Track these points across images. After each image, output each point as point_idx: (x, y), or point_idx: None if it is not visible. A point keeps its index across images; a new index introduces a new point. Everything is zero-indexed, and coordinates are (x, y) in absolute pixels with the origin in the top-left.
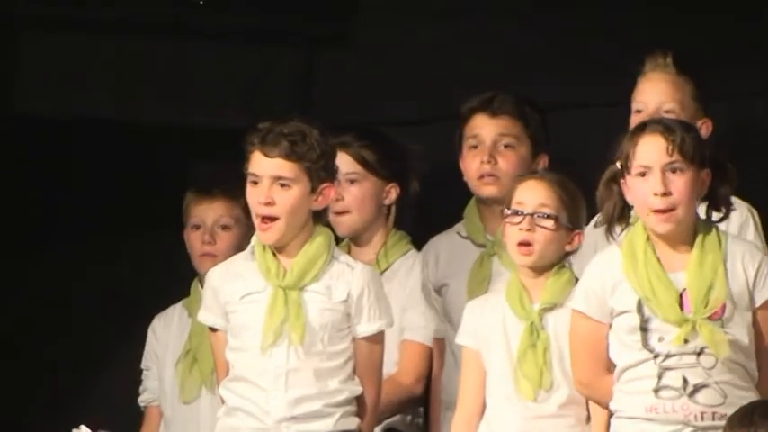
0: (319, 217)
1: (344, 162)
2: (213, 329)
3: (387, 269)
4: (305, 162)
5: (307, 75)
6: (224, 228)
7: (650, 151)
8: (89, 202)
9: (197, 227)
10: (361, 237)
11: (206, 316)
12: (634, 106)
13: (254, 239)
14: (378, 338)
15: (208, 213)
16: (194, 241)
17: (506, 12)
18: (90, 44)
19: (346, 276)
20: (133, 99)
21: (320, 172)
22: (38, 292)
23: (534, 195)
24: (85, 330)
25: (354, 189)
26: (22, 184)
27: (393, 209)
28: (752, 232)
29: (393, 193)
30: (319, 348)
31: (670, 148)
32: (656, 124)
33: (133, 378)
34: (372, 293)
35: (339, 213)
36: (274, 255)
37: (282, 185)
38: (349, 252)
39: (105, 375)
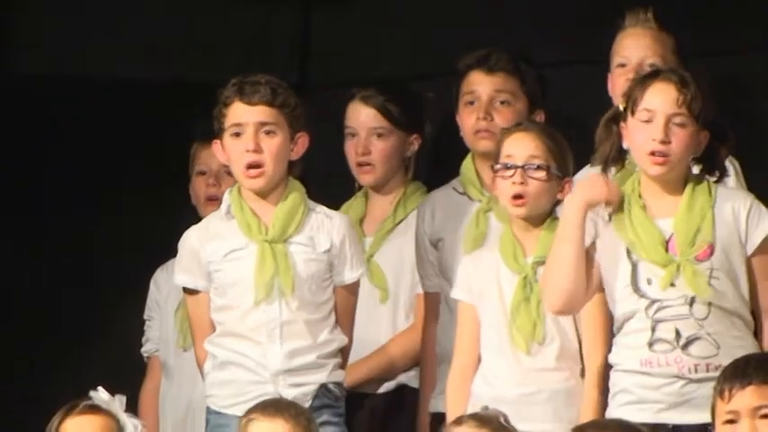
0: (292, 168)
1: (371, 116)
2: (192, 291)
3: (402, 221)
4: (285, 108)
5: (305, 33)
6: (228, 173)
7: (660, 98)
8: (93, 161)
9: (202, 173)
10: (382, 187)
11: (184, 278)
12: (616, 60)
13: (227, 198)
14: (356, 287)
15: (213, 158)
16: (200, 186)
17: None
18: (91, 4)
19: (326, 226)
20: (134, 58)
21: (297, 120)
22: (50, 250)
23: (523, 147)
24: (90, 286)
25: (381, 143)
26: (30, 142)
27: (412, 159)
28: (732, 180)
29: (415, 144)
30: (308, 299)
31: (680, 99)
32: (671, 73)
33: (136, 332)
34: (353, 242)
35: (363, 165)
36: (252, 212)
37: (267, 132)
38: (366, 199)
39: (111, 329)
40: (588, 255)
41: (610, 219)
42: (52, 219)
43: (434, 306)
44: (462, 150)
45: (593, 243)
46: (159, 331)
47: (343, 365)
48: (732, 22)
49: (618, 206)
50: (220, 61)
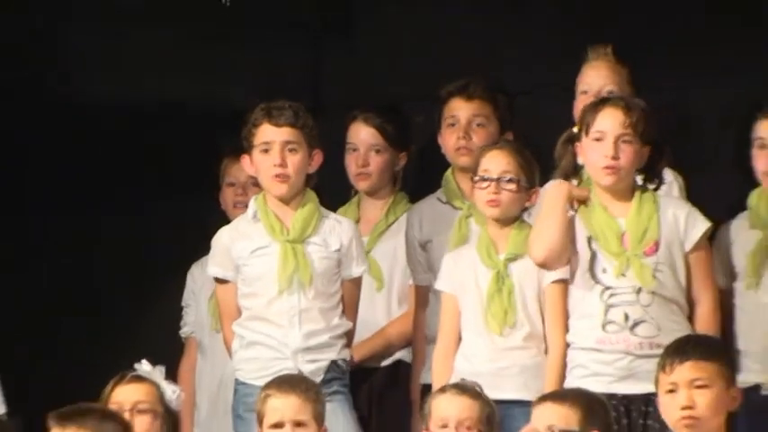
0: (308, 180)
1: (370, 134)
2: (223, 281)
3: (393, 223)
4: (304, 129)
5: (316, 60)
6: (254, 184)
7: (609, 121)
8: (141, 173)
9: (231, 183)
10: (375, 194)
11: (216, 270)
12: (580, 87)
13: (252, 205)
14: (360, 280)
15: (240, 171)
16: (229, 194)
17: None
18: (125, 33)
19: (337, 230)
20: (170, 84)
21: (314, 139)
22: (105, 248)
23: (498, 163)
24: (138, 278)
25: (378, 157)
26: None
27: (400, 173)
28: (676, 191)
29: (403, 160)
30: (322, 290)
31: (627, 121)
32: (619, 100)
33: (176, 316)
34: (358, 243)
35: (362, 174)
36: (275, 216)
37: (291, 150)
38: (358, 205)
39: (155, 314)
40: (569, 224)
41: (576, 212)
42: (107, 222)
43: (424, 296)
44: (438, 165)
45: (573, 217)
46: (195, 316)
47: (348, 345)
48: (675, 58)
49: (583, 202)
50: (245, 88)
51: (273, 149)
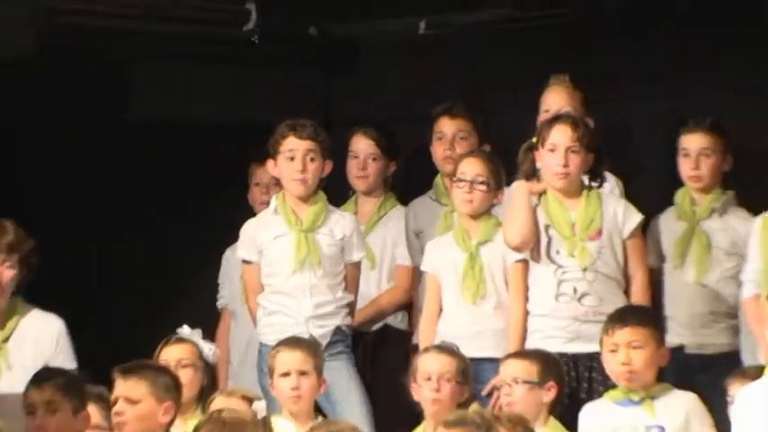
0: (319, 183)
1: (369, 145)
2: (249, 262)
3: (384, 215)
4: (321, 142)
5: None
6: (276, 185)
7: (560, 135)
8: (185, 178)
9: (257, 184)
10: (370, 193)
11: (244, 253)
12: (543, 107)
13: (274, 201)
14: (359, 264)
15: (265, 174)
16: (255, 193)
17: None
18: (175, 67)
19: (341, 223)
20: (201, 103)
21: (326, 150)
22: (158, 236)
23: (472, 168)
24: (182, 259)
25: (374, 164)
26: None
27: (390, 177)
28: (616, 191)
29: (393, 167)
30: (328, 270)
31: (574, 136)
32: (568, 117)
33: (212, 292)
34: (358, 234)
35: (361, 177)
36: (292, 210)
37: (311, 159)
38: (356, 203)
39: (197, 290)
40: (534, 214)
41: (539, 202)
42: (162, 219)
43: (418, 273)
44: (422, 172)
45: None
46: (228, 291)
47: (350, 314)
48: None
49: (542, 194)
50: (267, 107)
51: (297, 157)
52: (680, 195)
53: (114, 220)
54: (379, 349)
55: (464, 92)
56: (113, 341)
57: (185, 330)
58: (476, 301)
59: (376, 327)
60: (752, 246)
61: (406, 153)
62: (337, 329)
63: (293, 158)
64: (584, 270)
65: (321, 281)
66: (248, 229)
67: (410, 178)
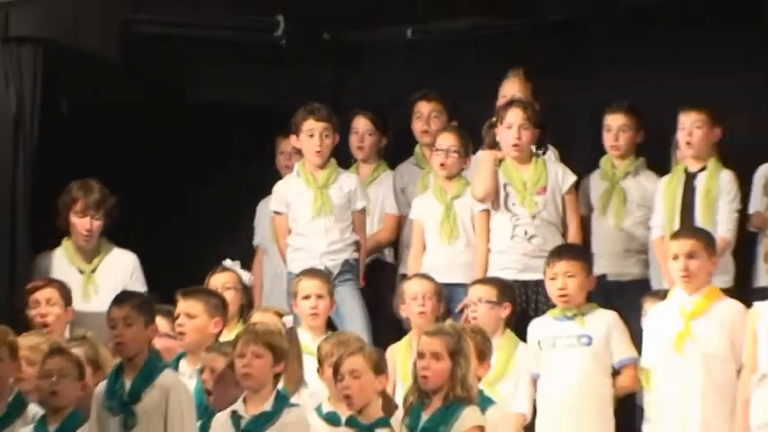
0: (330, 152)
1: (366, 123)
2: (279, 213)
3: (377, 177)
4: (332, 123)
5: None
6: (297, 154)
7: (515, 115)
8: (229, 151)
9: (281, 153)
10: (367, 161)
11: (275, 206)
12: (501, 93)
13: (296, 167)
14: (364, 210)
15: (288, 146)
16: (281, 161)
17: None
18: (228, 66)
19: (347, 181)
20: (246, 93)
21: (336, 129)
22: (213, 193)
23: (447, 140)
24: (227, 208)
25: (370, 138)
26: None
27: (382, 147)
28: (554, 157)
29: (384, 141)
30: (338, 217)
31: (525, 116)
32: (520, 102)
33: (249, 234)
34: (360, 188)
35: (360, 148)
36: (311, 173)
37: (326, 136)
38: (357, 167)
39: (239, 231)
40: (496, 175)
41: (498, 166)
42: (214, 179)
43: (402, 219)
44: (407, 142)
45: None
46: (261, 233)
47: (357, 250)
48: (558, 73)
49: (501, 160)
50: (291, 94)
51: (315, 135)
52: (604, 161)
53: (179, 179)
54: (372, 277)
55: (439, 83)
56: (175, 271)
57: (228, 262)
58: (450, 241)
59: (369, 260)
60: (657, 200)
61: (394, 130)
62: (345, 262)
63: (312, 136)
64: (533, 217)
65: (333, 225)
66: (278, 187)
67: (398, 148)
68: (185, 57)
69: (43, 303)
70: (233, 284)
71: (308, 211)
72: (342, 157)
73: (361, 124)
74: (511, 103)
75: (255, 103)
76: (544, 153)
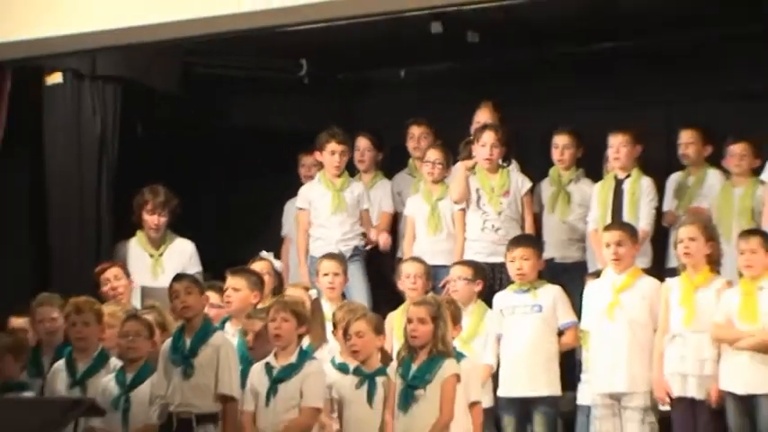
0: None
1: (367, 143)
2: (302, 209)
3: (374, 184)
4: (348, 145)
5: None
6: (319, 167)
7: (488, 136)
8: (263, 165)
9: (303, 165)
10: (367, 171)
11: (300, 203)
12: (475, 119)
13: (318, 175)
14: (368, 211)
15: (311, 160)
16: (303, 172)
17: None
18: (264, 99)
19: (356, 187)
20: (277, 120)
21: (350, 149)
22: (250, 194)
23: (433, 154)
24: (263, 207)
25: (370, 153)
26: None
27: (379, 161)
28: (517, 169)
29: (380, 156)
30: (350, 213)
31: (495, 137)
32: (492, 126)
33: (278, 226)
34: (366, 193)
35: (362, 161)
36: (330, 180)
37: (343, 155)
38: (359, 176)
39: (271, 223)
40: (467, 182)
41: (472, 173)
42: (254, 185)
43: (397, 217)
44: (402, 157)
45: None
46: (288, 226)
47: (363, 238)
48: (518, 104)
49: (472, 168)
50: (310, 121)
51: (336, 155)
52: (552, 171)
53: (225, 186)
54: (374, 260)
55: (426, 111)
56: (222, 256)
57: (264, 253)
58: (435, 232)
59: (372, 246)
60: (593, 201)
61: (392, 147)
62: (355, 248)
63: (333, 154)
64: (499, 214)
65: (346, 219)
66: (303, 190)
67: (394, 161)
68: (229, 91)
69: (112, 279)
70: (267, 270)
71: (328, 209)
72: (349, 167)
73: (362, 143)
74: (485, 126)
75: (283, 127)
76: (508, 165)
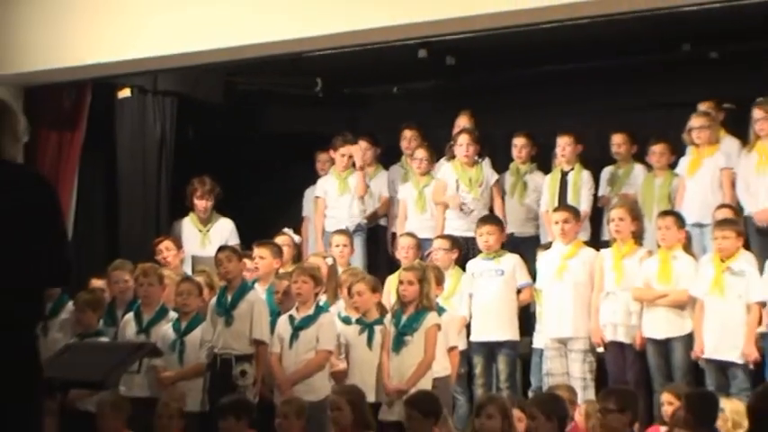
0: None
1: (367, 144)
2: (319, 197)
3: (376, 174)
4: (354, 147)
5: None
6: (329, 161)
7: (465, 138)
8: (288, 163)
9: (319, 161)
10: (370, 165)
11: (318, 192)
12: (456, 124)
13: (331, 169)
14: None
15: (324, 157)
16: (319, 166)
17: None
18: (287, 109)
19: (359, 176)
20: (297, 125)
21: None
22: (278, 183)
23: (421, 153)
24: (287, 193)
25: (371, 151)
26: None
27: (378, 155)
28: (489, 164)
29: (378, 152)
30: (355, 196)
31: (470, 138)
32: (468, 129)
33: (300, 207)
34: (368, 185)
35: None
36: (339, 172)
37: (350, 155)
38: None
39: (294, 206)
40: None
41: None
42: (282, 176)
43: (394, 201)
44: (396, 154)
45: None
46: (307, 208)
47: (365, 216)
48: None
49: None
50: (324, 126)
51: (345, 155)
52: (512, 165)
53: (258, 176)
54: (374, 234)
55: (416, 118)
56: (255, 231)
57: (286, 229)
58: (422, 213)
59: (372, 223)
60: (544, 188)
61: (388, 146)
62: (359, 224)
63: (343, 156)
64: (474, 199)
65: (352, 202)
66: (320, 181)
67: (390, 157)
68: (261, 103)
69: (164, 250)
70: (288, 243)
71: (337, 193)
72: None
73: (364, 143)
74: (463, 130)
75: (303, 131)
76: (482, 160)
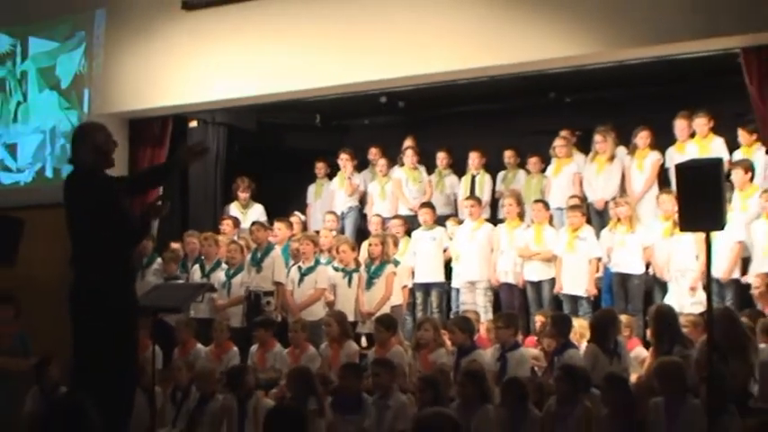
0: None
1: (348, 155)
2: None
3: (354, 176)
4: (353, 157)
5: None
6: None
7: (410, 152)
8: (308, 169)
9: (320, 169)
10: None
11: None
12: (404, 144)
13: (339, 176)
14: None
15: (323, 165)
16: (319, 171)
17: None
18: (295, 135)
19: (356, 177)
20: (303, 144)
21: (353, 159)
22: (286, 186)
23: (381, 162)
24: (295, 191)
25: (350, 162)
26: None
27: (355, 165)
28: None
29: (356, 161)
30: (353, 191)
31: (413, 152)
32: (411, 146)
33: (305, 197)
34: (355, 184)
35: (345, 166)
36: (342, 176)
37: (346, 161)
38: (351, 174)
39: (297, 199)
40: None
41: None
42: (293, 178)
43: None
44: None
45: None
46: (310, 198)
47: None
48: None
49: None
50: (322, 144)
51: (343, 162)
52: (437, 170)
53: (279, 178)
54: (359, 214)
55: (379, 140)
56: (274, 212)
57: (296, 212)
58: (384, 200)
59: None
60: (460, 186)
61: (362, 158)
62: (349, 207)
63: (344, 167)
64: (417, 191)
65: (344, 194)
66: (331, 185)
67: (364, 164)
68: (281, 129)
69: (224, 225)
70: (297, 221)
71: (339, 189)
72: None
73: (345, 156)
74: (409, 147)
75: (307, 148)
76: (421, 167)
